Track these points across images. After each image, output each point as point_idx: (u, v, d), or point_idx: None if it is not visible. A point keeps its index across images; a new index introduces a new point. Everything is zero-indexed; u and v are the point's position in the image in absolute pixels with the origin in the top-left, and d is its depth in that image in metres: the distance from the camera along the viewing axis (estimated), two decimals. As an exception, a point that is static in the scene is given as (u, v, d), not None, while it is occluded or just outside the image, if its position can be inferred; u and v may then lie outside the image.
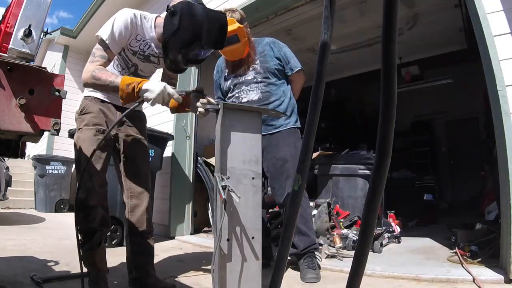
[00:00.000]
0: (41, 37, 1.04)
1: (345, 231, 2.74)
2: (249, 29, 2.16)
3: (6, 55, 0.97)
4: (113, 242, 2.84)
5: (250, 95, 2.14)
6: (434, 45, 4.41)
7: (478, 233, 2.48)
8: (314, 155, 3.70)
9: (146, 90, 1.31)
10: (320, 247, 2.51)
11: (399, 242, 2.83)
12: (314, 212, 2.96)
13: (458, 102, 6.23)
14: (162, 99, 1.33)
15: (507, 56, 1.78)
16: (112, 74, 1.40)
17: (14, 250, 2.43)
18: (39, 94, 0.95)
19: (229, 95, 2.23)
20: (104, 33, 1.47)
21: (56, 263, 2.11)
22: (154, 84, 1.32)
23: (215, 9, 1.55)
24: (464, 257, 2.01)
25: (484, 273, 1.74)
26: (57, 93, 0.97)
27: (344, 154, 3.52)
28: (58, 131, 0.97)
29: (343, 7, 3.37)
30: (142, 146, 1.74)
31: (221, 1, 3.52)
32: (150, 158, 3.03)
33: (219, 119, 1.30)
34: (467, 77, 4.90)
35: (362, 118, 7.37)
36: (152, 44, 1.62)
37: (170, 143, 3.55)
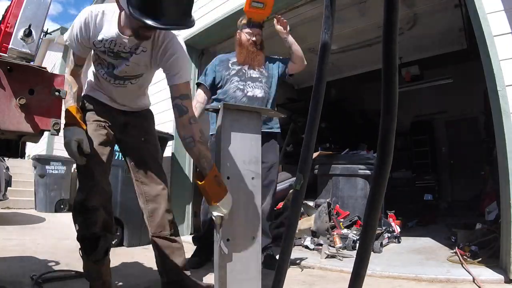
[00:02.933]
0: (41, 37, 1.04)
1: (345, 231, 2.74)
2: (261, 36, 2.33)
3: (6, 55, 0.97)
4: (113, 242, 2.84)
5: (255, 91, 2.26)
6: (434, 45, 4.41)
7: (478, 233, 2.48)
8: (314, 155, 3.70)
9: (65, 130, 1.27)
10: (320, 247, 2.52)
11: (399, 242, 2.83)
12: (315, 212, 2.97)
13: (458, 102, 6.23)
14: (71, 151, 1.27)
15: (507, 56, 1.78)
16: (70, 96, 1.34)
17: (14, 250, 2.43)
18: (39, 94, 0.95)
19: (228, 85, 2.26)
20: (68, 37, 1.40)
21: (56, 263, 2.11)
22: (69, 132, 1.27)
23: None
24: (464, 257, 2.01)
25: (484, 273, 1.74)
26: (57, 93, 0.97)
27: (344, 154, 3.52)
28: (58, 131, 0.97)
29: (343, 7, 3.36)
30: (150, 146, 1.63)
31: (221, 2, 3.52)
32: (150, 158, 3.04)
33: (219, 119, 1.30)
34: (467, 77, 4.90)
35: (362, 118, 7.37)
36: (118, 40, 1.35)
37: (170, 143, 3.55)
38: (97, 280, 1.43)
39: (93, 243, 1.38)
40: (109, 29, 1.35)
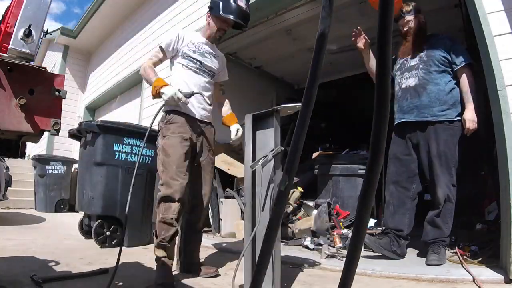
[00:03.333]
0: (41, 37, 1.03)
1: (345, 231, 2.74)
2: (423, 19, 2.38)
3: (6, 55, 0.97)
4: (113, 242, 2.84)
5: (409, 81, 2.26)
6: (434, 45, 4.40)
7: (478, 233, 2.48)
8: (314, 155, 3.70)
9: (162, 93, 1.80)
10: (320, 247, 2.52)
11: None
12: (314, 212, 2.96)
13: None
14: (173, 100, 1.79)
15: (507, 56, 1.78)
16: (154, 73, 1.91)
17: (14, 250, 2.43)
18: (39, 94, 0.95)
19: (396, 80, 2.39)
20: (165, 42, 2.04)
21: (57, 263, 2.11)
22: (168, 89, 1.81)
23: None
24: (464, 257, 2.01)
25: (484, 273, 1.74)
26: (57, 93, 0.97)
27: (344, 154, 3.52)
28: (58, 131, 0.97)
29: (343, 7, 3.36)
30: (210, 155, 2.10)
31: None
32: (150, 158, 3.04)
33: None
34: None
35: (362, 118, 7.35)
36: (204, 45, 2.09)
37: (170, 143, 3.55)
38: (162, 257, 1.84)
39: (167, 226, 1.82)
40: (199, 37, 2.11)
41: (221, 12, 1.99)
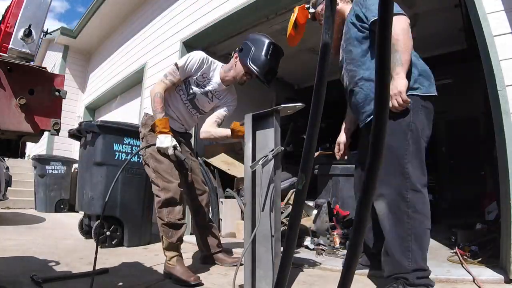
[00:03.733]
0: (41, 37, 1.03)
1: (345, 231, 2.74)
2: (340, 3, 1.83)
3: (6, 55, 0.97)
4: (113, 242, 2.84)
5: (345, 80, 1.78)
6: (434, 45, 4.41)
7: (478, 233, 2.48)
8: (314, 155, 3.69)
9: (160, 141, 1.86)
10: (320, 247, 2.52)
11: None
12: (314, 212, 2.96)
13: (458, 102, 6.22)
14: (164, 150, 1.87)
15: (507, 56, 1.78)
16: (161, 109, 1.92)
17: (14, 250, 2.43)
18: (39, 94, 0.95)
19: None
20: (180, 62, 2.01)
21: (57, 263, 2.11)
22: (166, 139, 1.86)
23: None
24: (464, 257, 2.01)
25: (484, 273, 1.74)
26: (57, 93, 0.97)
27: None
28: (58, 131, 0.97)
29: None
30: (193, 158, 2.24)
31: (221, 1, 3.52)
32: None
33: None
34: (467, 77, 4.89)
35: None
36: (213, 83, 2.11)
37: (170, 143, 3.55)
38: (173, 253, 1.96)
39: (175, 227, 1.92)
40: (213, 74, 2.10)
41: (249, 62, 1.97)
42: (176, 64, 2.01)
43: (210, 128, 2.12)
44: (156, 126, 1.88)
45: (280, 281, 0.57)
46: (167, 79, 1.99)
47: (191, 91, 2.08)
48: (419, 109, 1.53)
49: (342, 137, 2.09)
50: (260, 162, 1.50)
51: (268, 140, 1.55)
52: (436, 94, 1.60)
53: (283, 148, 1.51)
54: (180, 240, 1.93)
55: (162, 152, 1.89)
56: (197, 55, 2.04)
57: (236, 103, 2.27)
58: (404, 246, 1.44)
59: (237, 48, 2.10)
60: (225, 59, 3.82)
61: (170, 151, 1.85)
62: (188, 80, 2.06)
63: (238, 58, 2.07)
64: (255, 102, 4.46)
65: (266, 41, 2.00)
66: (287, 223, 2.96)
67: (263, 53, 1.96)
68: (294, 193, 3.16)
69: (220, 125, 2.17)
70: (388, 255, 1.49)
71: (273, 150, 1.50)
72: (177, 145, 1.90)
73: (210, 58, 2.11)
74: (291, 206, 3.09)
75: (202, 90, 2.08)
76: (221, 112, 2.19)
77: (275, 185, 1.49)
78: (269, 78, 2.04)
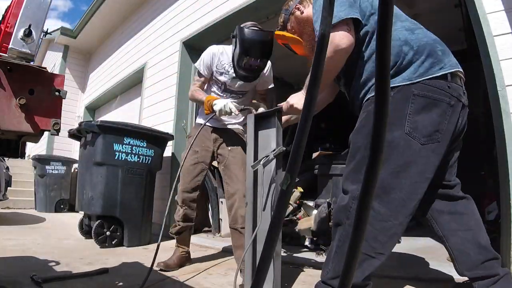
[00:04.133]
0: (41, 37, 1.03)
1: (345, 231, 2.73)
2: (301, 11, 1.64)
3: (6, 55, 0.97)
4: (113, 242, 2.84)
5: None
6: (434, 45, 4.41)
7: (478, 233, 2.48)
8: (314, 155, 3.70)
9: (215, 104, 1.90)
10: (320, 247, 2.52)
11: (399, 242, 2.83)
12: (314, 212, 2.96)
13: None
14: (225, 111, 1.86)
15: (507, 56, 1.78)
16: (202, 94, 2.08)
17: (14, 250, 2.43)
18: (39, 94, 0.94)
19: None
20: (197, 64, 2.17)
21: (57, 263, 2.11)
22: (220, 101, 1.91)
23: (261, 29, 1.99)
24: (464, 257, 2.01)
25: (484, 273, 1.74)
26: (57, 93, 0.97)
27: (344, 154, 3.51)
28: (58, 131, 0.97)
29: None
30: (236, 155, 2.13)
31: (221, 1, 3.52)
32: (150, 158, 3.05)
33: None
34: (467, 77, 4.89)
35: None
36: (230, 66, 2.11)
37: (170, 143, 3.55)
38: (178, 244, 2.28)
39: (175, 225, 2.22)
40: (230, 58, 2.09)
41: (237, 47, 1.95)
42: (197, 69, 2.19)
43: (198, 89, 2.13)
44: (207, 101, 1.96)
45: (257, 283, 0.57)
46: (195, 80, 2.19)
47: (220, 83, 2.15)
48: (406, 101, 1.19)
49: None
50: (261, 162, 1.50)
51: (270, 140, 1.56)
52: (448, 71, 1.22)
53: (284, 148, 1.51)
54: (177, 234, 2.23)
55: (224, 114, 1.88)
56: (207, 51, 2.14)
57: (271, 75, 2.22)
58: (332, 253, 1.30)
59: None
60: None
61: (231, 105, 1.86)
62: (213, 75, 2.15)
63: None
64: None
65: (252, 30, 1.94)
66: (286, 222, 2.96)
67: (247, 43, 1.90)
68: (293, 192, 3.16)
69: (263, 100, 2.21)
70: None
71: (274, 150, 1.50)
72: (232, 101, 1.96)
73: (221, 47, 2.16)
74: (290, 206, 3.09)
75: (228, 76, 2.12)
76: (260, 88, 2.22)
77: (277, 185, 1.49)
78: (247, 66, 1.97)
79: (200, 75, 2.15)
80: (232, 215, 2.04)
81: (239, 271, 1.98)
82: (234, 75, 2.09)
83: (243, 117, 2.20)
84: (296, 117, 1.74)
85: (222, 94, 2.15)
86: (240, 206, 2.01)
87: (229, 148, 2.14)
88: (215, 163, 2.33)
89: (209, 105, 1.93)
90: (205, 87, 2.19)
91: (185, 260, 2.25)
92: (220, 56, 2.12)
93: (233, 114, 1.88)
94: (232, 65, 2.07)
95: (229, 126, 2.20)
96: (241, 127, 2.23)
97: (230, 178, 2.08)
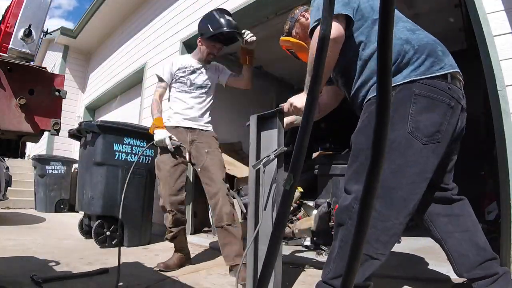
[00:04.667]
0: (41, 37, 1.03)
1: (345, 231, 2.73)
2: (306, 18, 1.74)
3: (6, 55, 0.97)
4: (113, 242, 2.84)
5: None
6: (434, 45, 4.41)
7: (478, 233, 2.47)
8: (314, 155, 3.70)
9: (155, 133, 2.07)
10: (320, 247, 2.52)
11: (399, 242, 2.83)
12: (314, 212, 2.96)
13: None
14: (161, 143, 2.05)
15: (507, 56, 1.78)
16: (157, 110, 2.18)
17: (14, 250, 2.43)
18: (39, 94, 0.94)
19: None
20: (160, 71, 2.28)
21: (57, 263, 2.11)
22: (161, 133, 2.05)
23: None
24: (464, 257, 2.01)
25: (484, 273, 1.74)
26: (57, 93, 0.97)
27: (344, 154, 3.51)
28: (58, 131, 0.97)
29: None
30: (214, 157, 2.18)
31: (221, 1, 3.52)
32: (150, 159, 3.04)
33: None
34: (467, 77, 4.89)
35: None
36: (192, 65, 2.30)
37: (170, 143, 3.55)
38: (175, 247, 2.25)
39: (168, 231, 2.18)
40: (189, 61, 2.32)
41: (211, 30, 2.16)
42: (157, 75, 2.31)
43: (157, 99, 2.25)
44: (152, 125, 2.10)
45: (262, 282, 0.57)
46: (157, 87, 2.28)
47: (185, 80, 2.27)
48: (408, 100, 1.19)
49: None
50: (262, 162, 1.50)
51: (273, 140, 1.56)
52: (448, 71, 1.22)
53: (286, 148, 1.51)
54: (171, 240, 2.19)
55: (160, 145, 2.06)
56: (164, 64, 2.32)
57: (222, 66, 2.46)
58: (334, 253, 1.31)
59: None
60: (225, 59, 3.82)
61: (167, 141, 2.02)
62: (177, 76, 2.27)
63: (201, 40, 2.28)
64: (255, 102, 4.47)
65: (212, 11, 2.27)
66: (288, 223, 2.96)
67: (217, 17, 2.18)
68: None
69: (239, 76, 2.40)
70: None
71: (276, 150, 1.50)
72: (172, 136, 2.07)
73: (178, 57, 2.50)
74: (291, 206, 3.09)
75: (190, 71, 2.28)
76: (223, 78, 2.40)
77: (278, 184, 1.49)
78: (237, 29, 2.17)
79: (160, 80, 2.26)
80: (217, 213, 2.05)
81: (231, 270, 2.02)
82: (193, 69, 2.27)
83: (209, 118, 2.34)
84: (299, 121, 1.75)
85: (189, 90, 2.26)
86: (224, 203, 2.04)
87: (206, 151, 2.19)
88: None
89: (151, 130, 2.09)
90: (173, 90, 2.30)
91: (184, 260, 2.24)
92: (178, 62, 2.31)
93: (168, 147, 2.03)
94: (191, 66, 2.29)
95: (203, 128, 2.29)
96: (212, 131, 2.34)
97: (211, 179, 2.12)
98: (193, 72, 2.29)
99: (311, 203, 3.27)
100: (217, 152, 2.22)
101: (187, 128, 2.23)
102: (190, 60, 2.33)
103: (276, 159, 1.50)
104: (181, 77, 2.26)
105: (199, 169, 2.17)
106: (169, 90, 2.31)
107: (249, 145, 1.64)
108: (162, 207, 2.13)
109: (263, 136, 1.62)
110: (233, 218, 2.05)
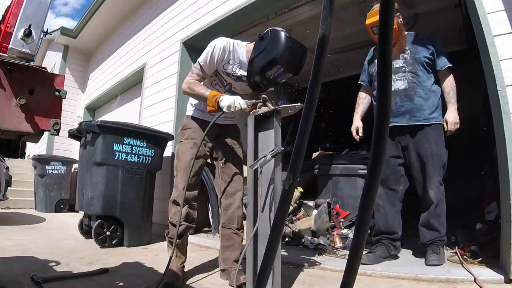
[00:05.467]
0: (41, 37, 1.03)
1: (345, 231, 2.74)
2: (401, 19, 2.21)
3: (6, 55, 0.97)
4: (113, 242, 2.84)
5: (397, 83, 2.22)
6: (434, 45, 4.41)
7: (478, 233, 2.48)
8: (314, 155, 3.70)
9: (221, 100, 1.68)
10: (320, 247, 2.52)
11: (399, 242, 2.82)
12: (314, 212, 2.96)
13: (458, 102, 6.21)
14: (234, 108, 1.65)
15: (507, 56, 1.78)
16: (204, 88, 1.80)
17: (14, 250, 2.43)
18: (39, 94, 0.94)
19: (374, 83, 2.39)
20: (201, 57, 1.85)
21: (57, 263, 2.11)
22: (228, 97, 1.69)
23: (297, 40, 1.70)
24: (464, 257, 2.01)
25: (484, 273, 1.74)
26: (57, 93, 0.97)
27: (344, 154, 3.52)
28: (58, 131, 0.97)
29: (343, 7, 3.36)
30: (234, 152, 2.04)
31: (221, 1, 3.52)
32: (150, 158, 3.04)
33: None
34: (467, 77, 4.89)
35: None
36: (243, 66, 1.88)
37: (170, 143, 3.55)
38: (174, 252, 1.90)
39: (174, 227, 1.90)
40: (240, 57, 1.88)
41: (285, 68, 1.69)
42: (198, 62, 1.87)
43: (196, 82, 1.85)
44: (212, 97, 1.72)
45: (261, 281, 0.57)
46: (193, 73, 1.88)
47: (225, 82, 1.94)
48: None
49: (359, 123, 2.52)
50: (259, 162, 1.50)
51: (270, 140, 1.56)
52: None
53: (282, 148, 1.51)
54: (179, 237, 1.88)
55: (233, 110, 1.66)
56: (218, 44, 1.84)
57: None
58: (441, 220, 2.16)
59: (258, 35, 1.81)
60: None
61: (240, 100, 1.65)
62: (218, 72, 1.91)
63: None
64: (255, 102, 4.46)
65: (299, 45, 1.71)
66: (287, 223, 2.96)
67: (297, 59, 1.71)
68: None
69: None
70: (432, 228, 2.13)
71: (272, 150, 1.50)
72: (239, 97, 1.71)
73: (233, 42, 1.90)
74: (290, 206, 3.09)
75: (235, 77, 1.91)
76: None
77: (275, 185, 1.49)
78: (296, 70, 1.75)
79: (202, 69, 1.85)
80: (229, 214, 1.94)
81: (223, 271, 1.95)
82: (239, 75, 1.89)
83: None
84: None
85: (223, 91, 1.96)
86: (239, 206, 1.95)
87: (231, 147, 2.03)
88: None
89: (215, 102, 1.69)
90: (207, 80, 1.94)
91: (183, 271, 1.98)
92: (230, 54, 1.87)
93: (243, 112, 1.66)
94: (240, 66, 1.88)
95: (229, 122, 2.06)
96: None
97: (231, 177, 1.98)
98: (238, 79, 1.92)
99: (311, 203, 3.27)
100: (240, 150, 2.07)
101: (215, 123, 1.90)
102: (243, 58, 1.88)
103: (273, 159, 1.50)
104: (225, 75, 1.91)
105: (221, 164, 2.02)
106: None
107: (247, 145, 1.65)
108: (173, 201, 1.92)
109: (260, 137, 1.62)
110: (242, 223, 1.96)
